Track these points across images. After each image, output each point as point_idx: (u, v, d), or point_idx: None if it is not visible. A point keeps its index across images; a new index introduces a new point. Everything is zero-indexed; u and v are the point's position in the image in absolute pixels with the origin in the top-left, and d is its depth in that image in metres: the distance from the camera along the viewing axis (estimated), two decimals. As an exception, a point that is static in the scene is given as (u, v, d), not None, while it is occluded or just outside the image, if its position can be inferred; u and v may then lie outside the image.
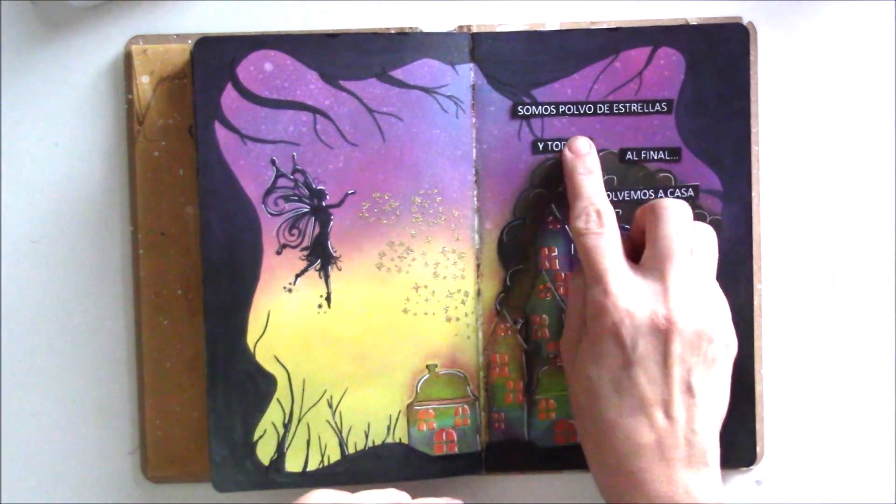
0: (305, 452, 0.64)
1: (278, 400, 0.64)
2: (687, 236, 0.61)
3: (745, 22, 0.66)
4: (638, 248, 0.63)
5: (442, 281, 0.65)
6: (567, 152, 0.64)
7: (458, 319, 0.65)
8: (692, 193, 0.65)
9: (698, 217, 0.65)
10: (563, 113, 0.65)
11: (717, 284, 0.62)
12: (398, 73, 0.64)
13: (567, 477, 0.67)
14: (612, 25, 0.66)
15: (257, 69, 0.63)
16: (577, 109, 0.65)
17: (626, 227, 0.65)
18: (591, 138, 0.65)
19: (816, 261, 0.67)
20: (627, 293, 0.60)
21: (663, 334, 0.59)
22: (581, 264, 0.62)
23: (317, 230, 0.64)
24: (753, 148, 0.66)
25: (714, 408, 0.60)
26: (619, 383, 0.59)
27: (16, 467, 0.67)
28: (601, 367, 0.60)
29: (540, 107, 0.65)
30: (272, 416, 0.64)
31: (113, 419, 0.67)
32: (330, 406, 0.64)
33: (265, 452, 0.64)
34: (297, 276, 0.64)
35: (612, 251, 0.61)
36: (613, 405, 0.59)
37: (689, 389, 0.59)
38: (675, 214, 0.61)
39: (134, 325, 0.66)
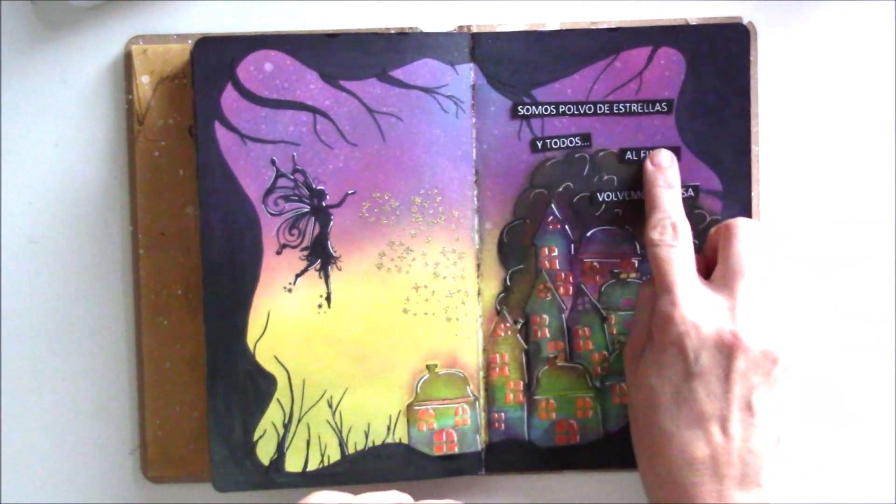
0: (305, 452, 0.64)
1: (278, 400, 0.64)
2: (758, 255, 0.61)
3: (745, 22, 0.66)
4: (710, 268, 0.62)
5: (442, 281, 0.65)
6: (649, 164, 0.64)
7: (458, 319, 0.65)
8: (692, 193, 0.65)
9: (698, 217, 0.65)
10: (563, 113, 0.65)
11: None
12: (398, 73, 0.64)
13: (567, 477, 0.67)
14: (612, 25, 0.66)
15: (257, 69, 0.63)
16: (577, 109, 0.65)
17: (628, 227, 0.65)
18: (591, 137, 0.65)
19: (816, 261, 0.67)
20: (695, 306, 0.59)
21: (728, 349, 0.59)
22: (651, 274, 0.62)
23: (317, 230, 0.64)
24: (753, 148, 0.66)
25: (773, 429, 0.60)
26: (679, 395, 0.59)
27: (16, 467, 0.67)
28: (662, 378, 0.60)
29: (540, 107, 0.65)
30: (272, 416, 0.64)
31: (113, 419, 0.67)
32: (330, 406, 0.64)
33: (265, 452, 0.64)
34: (297, 276, 0.64)
35: (684, 264, 0.61)
36: (671, 416, 0.59)
37: (748, 407, 0.59)
38: (747, 233, 0.61)
39: (134, 325, 0.66)
